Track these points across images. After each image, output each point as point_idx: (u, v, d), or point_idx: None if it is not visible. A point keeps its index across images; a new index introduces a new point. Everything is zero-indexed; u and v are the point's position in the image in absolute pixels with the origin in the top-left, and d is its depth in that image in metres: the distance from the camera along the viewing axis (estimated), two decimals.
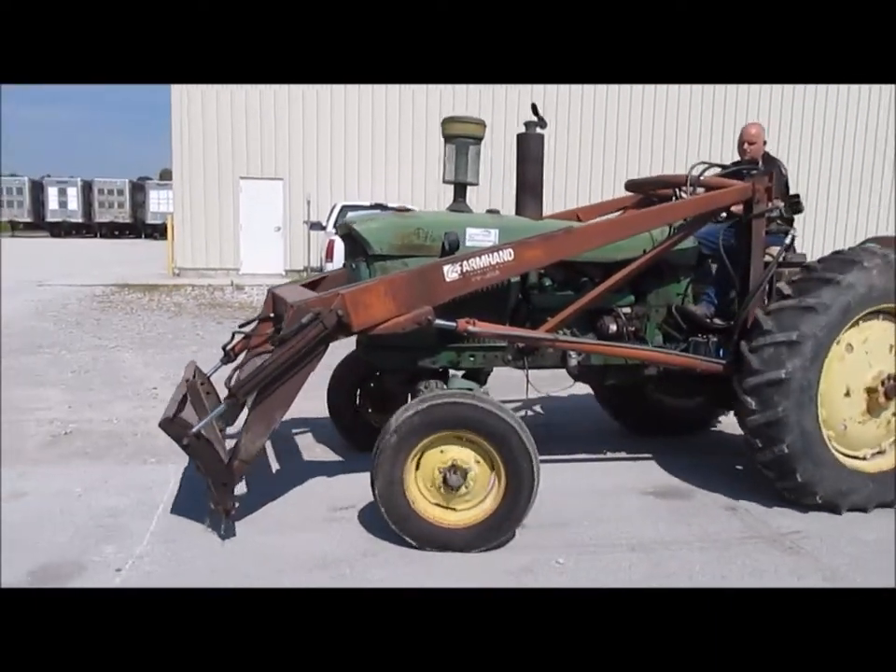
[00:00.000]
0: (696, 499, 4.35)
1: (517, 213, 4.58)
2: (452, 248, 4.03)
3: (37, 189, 46.60)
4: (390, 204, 14.42)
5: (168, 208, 34.91)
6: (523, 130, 4.55)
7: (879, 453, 4.34)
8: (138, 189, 46.50)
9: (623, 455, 5.17)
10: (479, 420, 3.53)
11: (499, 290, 4.25)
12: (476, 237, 4.15)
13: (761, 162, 4.94)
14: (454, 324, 3.90)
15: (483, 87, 17.78)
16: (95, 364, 7.75)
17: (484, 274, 3.90)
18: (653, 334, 4.64)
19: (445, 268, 3.83)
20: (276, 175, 18.31)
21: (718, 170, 4.88)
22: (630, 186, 5.09)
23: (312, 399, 4.67)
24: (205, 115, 17.99)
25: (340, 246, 11.28)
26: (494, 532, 3.57)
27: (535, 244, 4.00)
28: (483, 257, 3.89)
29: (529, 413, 6.17)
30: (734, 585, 3.28)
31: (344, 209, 13.56)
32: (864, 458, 4.29)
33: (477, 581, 3.25)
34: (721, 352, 4.41)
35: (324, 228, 14.05)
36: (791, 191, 5.01)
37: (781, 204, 4.48)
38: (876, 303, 4.15)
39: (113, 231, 45.20)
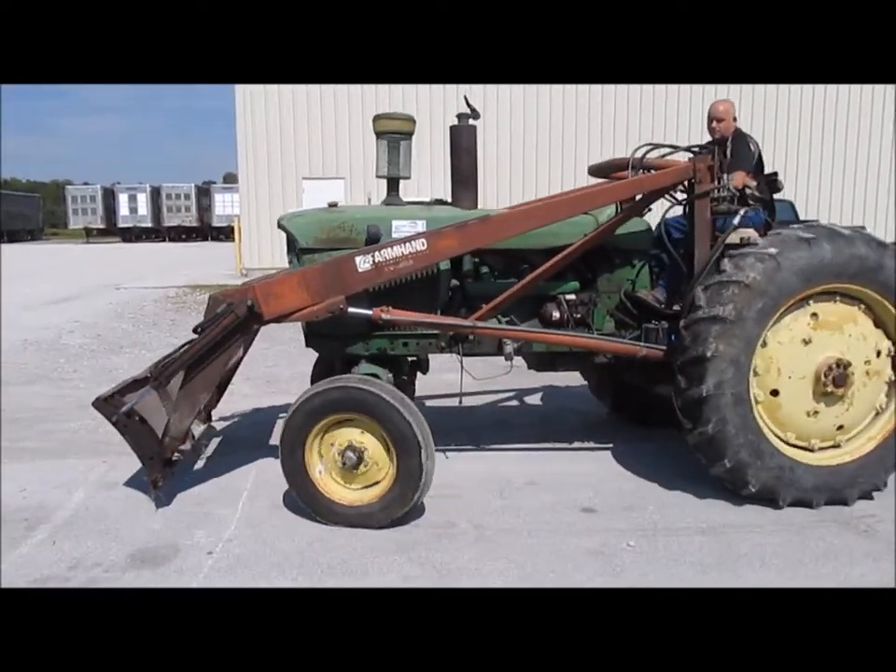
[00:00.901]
0: None
1: (452, 203, 4.56)
2: (373, 240, 4.14)
3: (109, 197, 48.42)
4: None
5: (233, 210, 35.83)
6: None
7: (834, 446, 4.09)
8: (203, 192, 47.83)
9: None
10: (362, 401, 3.70)
11: (430, 279, 4.34)
12: (402, 229, 4.23)
13: (730, 140, 4.68)
14: (369, 312, 4.04)
15: (539, 86, 17.72)
16: None
17: (397, 264, 4.00)
18: (602, 321, 4.54)
19: (357, 259, 3.98)
20: (338, 175, 18.64)
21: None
22: (592, 171, 4.94)
23: None
24: (268, 117, 18.42)
25: None
26: (390, 510, 3.73)
27: (448, 233, 4.04)
28: (395, 247, 3.99)
29: (567, 401, 6.21)
30: (808, 568, 3.30)
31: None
32: (812, 450, 4.05)
33: (548, 565, 3.35)
34: (673, 338, 4.23)
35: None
36: (769, 170, 4.82)
37: (753, 183, 4.41)
38: (824, 282, 3.89)
39: (181, 234, 46.58)
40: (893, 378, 4.13)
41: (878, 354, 4.05)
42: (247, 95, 18.21)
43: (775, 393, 3.97)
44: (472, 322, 4.27)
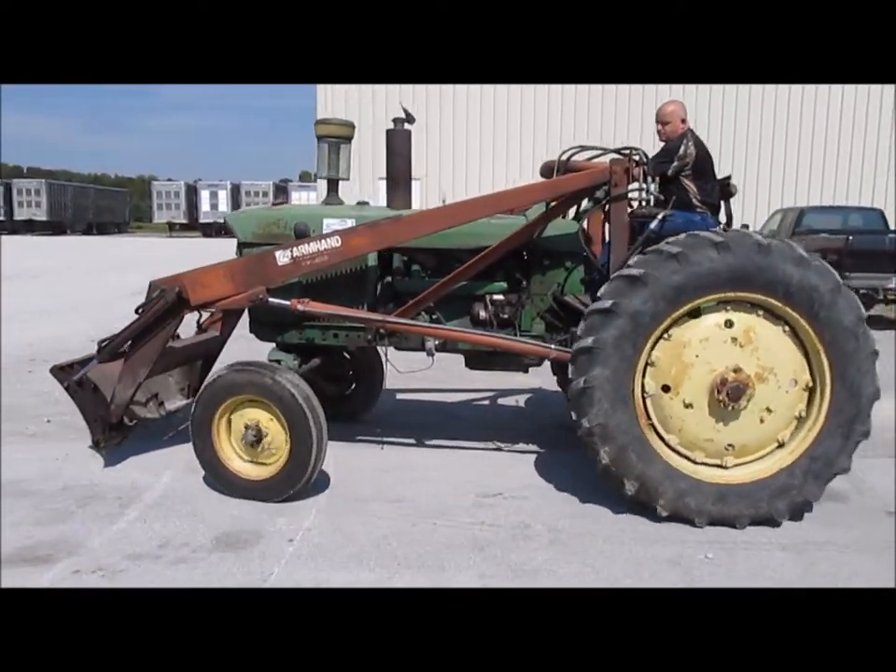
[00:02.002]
0: (852, 502, 4.20)
1: (387, 204, 4.73)
2: (300, 237, 4.37)
3: (191, 193, 50.18)
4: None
5: None
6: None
7: (720, 465, 3.88)
8: (281, 190, 49.06)
9: None
10: (259, 384, 4.02)
11: (358, 274, 4.61)
12: (332, 227, 4.44)
13: (687, 141, 4.53)
14: (287, 303, 4.29)
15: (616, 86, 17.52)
16: None
17: (314, 259, 4.24)
18: (531, 323, 4.55)
19: (277, 253, 4.26)
20: (413, 175, 18.79)
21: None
22: (542, 171, 4.88)
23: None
24: (347, 116, 18.72)
25: None
26: (280, 488, 4.03)
27: (361, 231, 4.26)
28: (312, 243, 4.24)
29: None
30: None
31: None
32: (696, 462, 3.88)
33: (623, 571, 3.33)
34: None
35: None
36: (724, 174, 4.73)
37: (651, 186, 4.35)
38: (724, 290, 3.72)
39: None
40: (804, 414, 3.88)
41: (795, 383, 3.83)
42: (328, 94, 18.58)
43: (665, 389, 3.86)
44: (383, 317, 4.43)
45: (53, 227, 44.97)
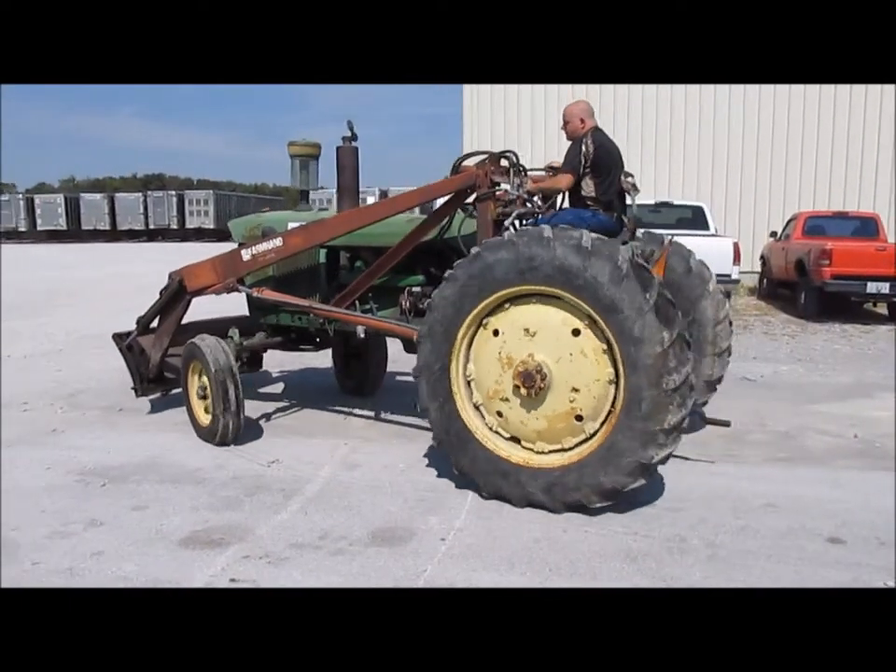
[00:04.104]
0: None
1: (338, 212, 5.47)
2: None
3: None
4: (675, 202, 14.01)
5: None
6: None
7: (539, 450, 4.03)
8: None
9: None
10: (193, 353, 5.17)
11: (312, 269, 5.61)
12: None
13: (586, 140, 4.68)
14: (251, 291, 5.42)
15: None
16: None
17: (265, 256, 5.25)
18: None
19: (242, 252, 5.36)
20: None
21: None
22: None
23: None
24: (493, 117, 18.84)
25: None
26: (212, 432, 5.08)
27: (296, 233, 5.18)
28: (264, 244, 5.25)
29: (809, 420, 5.69)
30: None
31: (628, 207, 13.40)
32: (507, 440, 4.11)
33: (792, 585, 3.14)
34: None
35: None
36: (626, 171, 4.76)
37: (515, 188, 4.53)
38: (522, 284, 3.87)
39: None
40: (609, 411, 3.84)
41: (597, 380, 3.84)
42: (474, 96, 18.77)
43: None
44: (310, 304, 5.33)
45: (218, 234, 48.37)
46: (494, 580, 3.23)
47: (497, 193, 4.55)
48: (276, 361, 7.90)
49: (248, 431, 5.43)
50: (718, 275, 10.74)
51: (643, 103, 17.91)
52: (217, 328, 5.71)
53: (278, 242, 5.17)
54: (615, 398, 3.81)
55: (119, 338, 5.98)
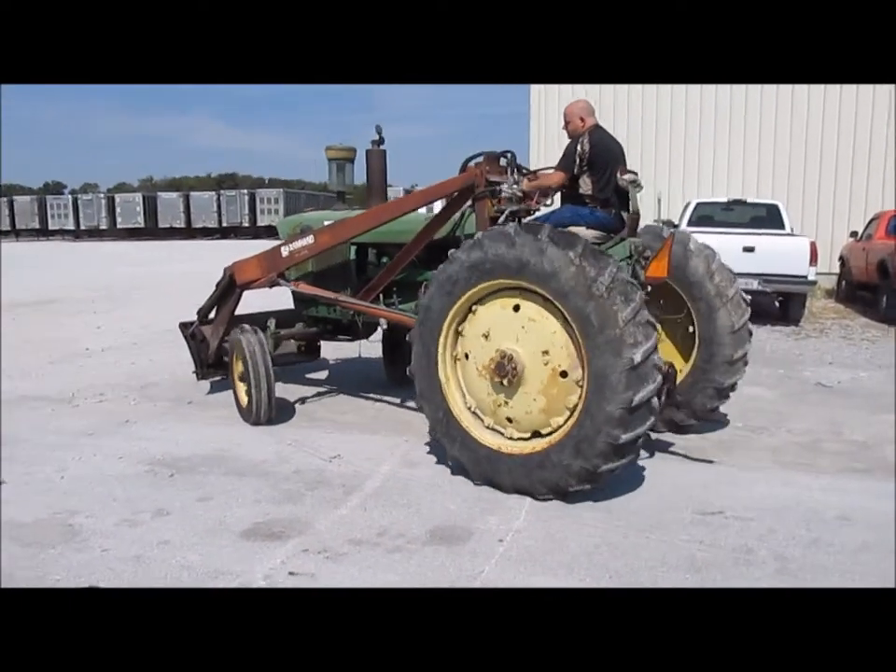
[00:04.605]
0: None
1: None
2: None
3: None
4: (749, 200, 13.59)
5: None
6: None
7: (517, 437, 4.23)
8: None
9: None
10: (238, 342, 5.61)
11: (343, 266, 6.04)
12: None
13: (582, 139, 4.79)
14: (290, 285, 5.93)
15: None
16: None
17: (300, 252, 5.64)
18: None
19: (282, 248, 5.76)
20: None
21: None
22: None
23: None
24: (561, 121, 18.65)
25: None
26: (249, 413, 5.57)
27: (325, 231, 5.56)
28: (299, 241, 5.64)
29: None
30: None
31: (700, 206, 13.09)
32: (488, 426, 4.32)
33: None
34: None
35: (676, 226, 13.69)
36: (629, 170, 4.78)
37: (516, 187, 4.69)
38: (496, 276, 4.11)
39: None
40: (574, 405, 3.97)
41: (564, 375, 4.00)
42: (542, 94, 18.61)
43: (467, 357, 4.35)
44: (336, 296, 5.71)
45: None
46: (551, 584, 3.18)
47: (502, 191, 4.75)
48: (340, 355, 8.00)
49: (311, 426, 5.52)
50: (793, 276, 10.63)
51: (716, 98, 17.43)
52: (261, 319, 6.14)
53: (310, 239, 5.57)
54: (583, 380, 3.92)
55: (184, 326, 6.57)
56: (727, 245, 10.99)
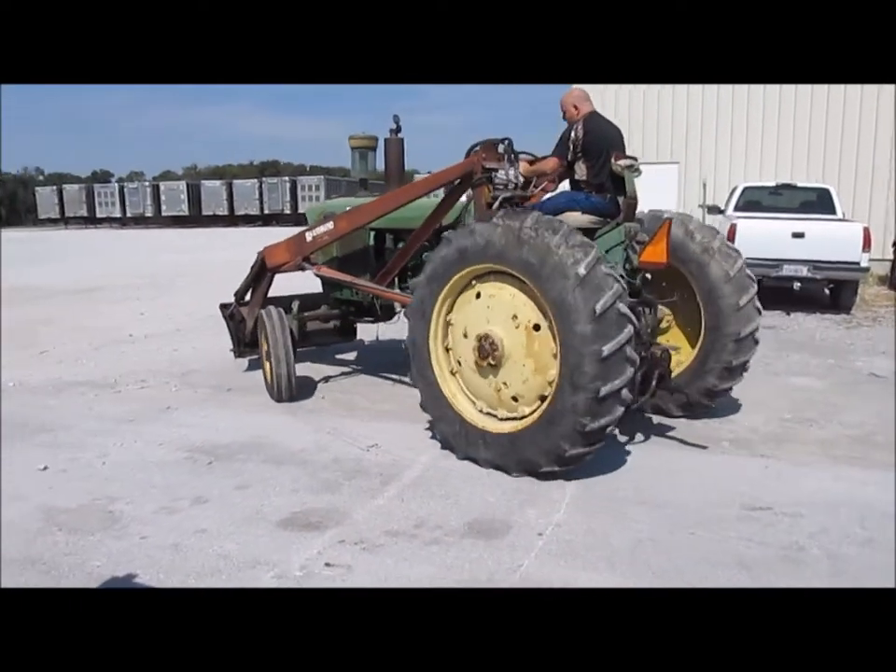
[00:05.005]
0: None
1: None
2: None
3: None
4: (799, 184, 13.18)
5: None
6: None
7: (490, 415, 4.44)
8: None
9: None
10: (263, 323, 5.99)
11: (363, 251, 6.35)
12: None
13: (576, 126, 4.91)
14: (313, 268, 6.19)
15: None
16: None
17: (321, 238, 5.90)
18: None
19: (307, 234, 6.02)
20: (672, 160, 17.95)
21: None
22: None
23: None
24: (603, 106, 18.34)
25: (743, 231, 10.72)
26: (273, 390, 5.92)
27: (342, 217, 5.81)
28: (320, 227, 5.90)
29: None
30: None
31: (747, 191, 12.72)
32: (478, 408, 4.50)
33: None
34: None
35: (722, 212, 13.32)
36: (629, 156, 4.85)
37: (511, 173, 4.85)
38: (482, 261, 4.27)
39: None
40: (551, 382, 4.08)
41: (537, 328, 4.16)
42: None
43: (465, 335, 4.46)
44: (352, 280, 6.03)
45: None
46: (592, 580, 3.09)
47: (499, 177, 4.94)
48: (380, 341, 7.97)
49: (349, 413, 5.49)
50: (845, 263, 10.29)
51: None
52: (287, 302, 6.49)
53: (330, 225, 5.84)
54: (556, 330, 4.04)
55: (223, 307, 7.02)
56: (776, 231, 10.75)
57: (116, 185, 52.13)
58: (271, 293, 6.65)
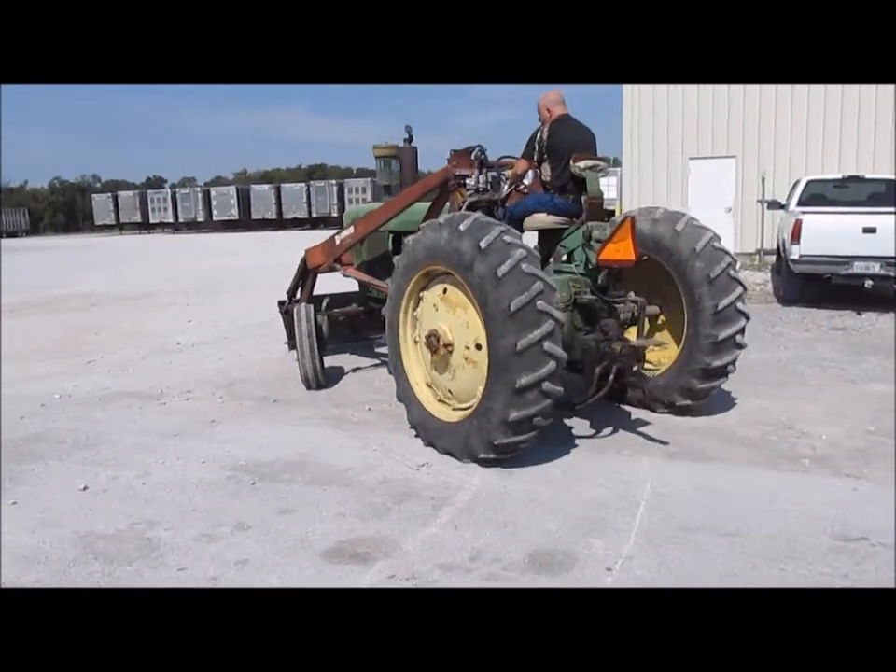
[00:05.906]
0: None
1: None
2: None
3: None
4: (867, 176, 12.50)
5: (607, 193, 35.86)
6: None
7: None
8: None
9: None
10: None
11: (384, 253, 6.67)
12: None
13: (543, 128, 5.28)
14: (340, 270, 6.56)
15: None
16: None
17: (346, 241, 6.33)
18: None
19: (336, 237, 6.43)
20: (728, 153, 17.29)
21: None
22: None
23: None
24: (656, 99, 17.81)
25: (809, 226, 10.17)
26: (303, 379, 6.40)
27: (360, 222, 6.20)
28: (345, 232, 6.34)
29: None
30: None
31: (811, 184, 12.09)
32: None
33: None
34: None
35: (783, 206, 12.70)
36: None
37: (481, 179, 5.37)
38: (433, 262, 4.57)
39: None
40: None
41: (479, 347, 4.38)
42: (634, 91, 17.80)
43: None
44: (368, 279, 6.41)
45: None
46: None
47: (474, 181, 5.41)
48: None
49: (396, 427, 5.22)
50: None
51: None
52: (320, 300, 7.07)
53: (351, 230, 6.27)
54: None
55: (280, 304, 7.49)
56: (845, 226, 10.15)
57: (168, 191, 53.05)
58: (317, 290, 7.10)
